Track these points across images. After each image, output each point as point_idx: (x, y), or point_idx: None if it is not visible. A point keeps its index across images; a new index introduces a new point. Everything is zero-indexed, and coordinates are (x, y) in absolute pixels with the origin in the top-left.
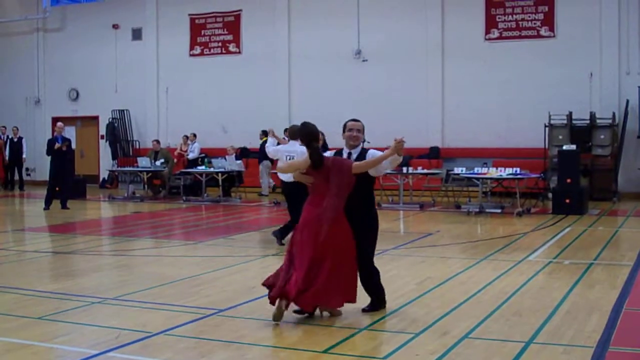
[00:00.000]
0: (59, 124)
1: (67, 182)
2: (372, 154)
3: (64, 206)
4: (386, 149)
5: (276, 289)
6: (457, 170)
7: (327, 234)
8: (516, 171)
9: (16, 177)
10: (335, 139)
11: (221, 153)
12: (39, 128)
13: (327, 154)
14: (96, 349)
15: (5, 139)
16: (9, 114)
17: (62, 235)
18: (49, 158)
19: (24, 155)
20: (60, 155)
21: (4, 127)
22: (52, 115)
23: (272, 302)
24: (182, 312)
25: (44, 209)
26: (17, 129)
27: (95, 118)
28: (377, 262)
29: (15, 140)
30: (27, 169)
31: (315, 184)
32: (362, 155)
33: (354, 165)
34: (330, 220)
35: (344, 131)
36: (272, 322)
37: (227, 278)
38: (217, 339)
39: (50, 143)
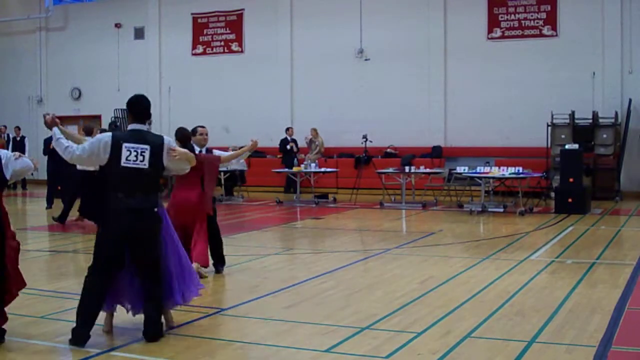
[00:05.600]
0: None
1: (67, 192)
2: (217, 152)
3: (61, 221)
4: (387, 148)
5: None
6: (460, 169)
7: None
8: (519, 170)
9: None
10: (339, 138)
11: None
12: (41, 127)
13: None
14: (98, 348)
15: (6, 138)
16: (11, 113)
17: (64, 234)
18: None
19: (26, 155)
20: (56, 153)
21: (4, 126)
22: (55, 114)
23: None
24: (183, 310)
25: (46, 208)
26: (20, 129)
27: (98, 117)
28: (380, 261)
29: (18, 139)
30: None
31: (188, 174)
32: (210, 152)
33: (222, 157)
34: (211, 199)
35: (194, 134)
36: (274, 320)
37: (229, 277)
38: (219, 337)
39: (47, 142)
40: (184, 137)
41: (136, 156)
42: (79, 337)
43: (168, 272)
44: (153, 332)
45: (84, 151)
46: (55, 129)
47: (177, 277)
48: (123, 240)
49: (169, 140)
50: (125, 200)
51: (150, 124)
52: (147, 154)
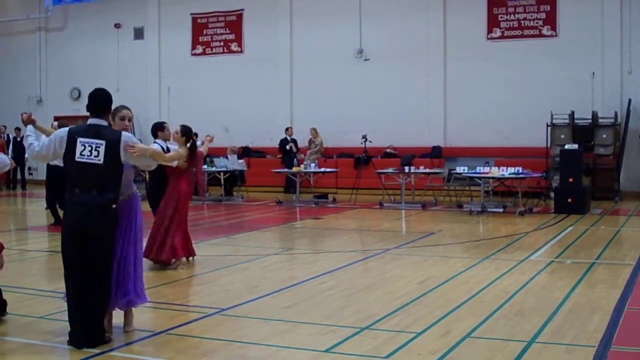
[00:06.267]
0: (54, 123)
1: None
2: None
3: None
4: (387, 148)
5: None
6: (459, 169)
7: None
8: (518, 170)
9: (18, 176)
10: (338, 138)
11: (223, 152)
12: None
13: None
14: (98, 348)
15: (6, 139)
16: (11, 114)
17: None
18: None
19: (26, 155)
20: None
21: (4, 126)
22: (55, 115)
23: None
24: (184, 311)
25: (46, 208)
26: (20, 129)
27: None
28: (379, 261)
29: (18, 139)
30: (29, 169)
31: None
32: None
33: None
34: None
35: (162, 130)
36: (273, 321)
37: (229, 277)
38: (218, 338)
39: None
40: (188, 133)
41: (90, 151)
42: (72, 339)
43: (119, 270)
44: (79, 338)
45: (42, 147)
46: (29, 126)
47: (123, 278)
48: (78, 236)
49: (129, 136)
50: (79, 195)
51: (130, 120)
52: (101, 149)
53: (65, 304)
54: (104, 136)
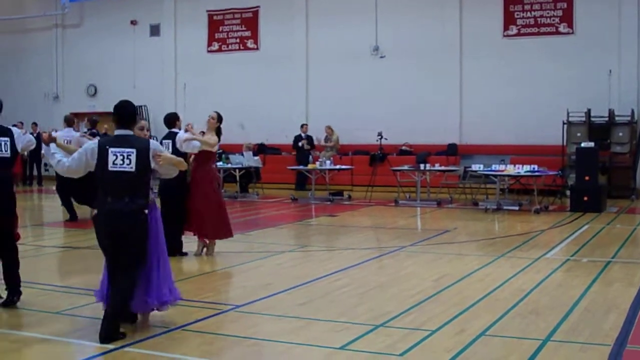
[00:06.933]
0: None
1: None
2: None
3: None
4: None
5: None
6: (475, 167)
7: None
8: (534, 168)
9: (35, 172)
10: (353, 135)
11: (239, 149)
12: (57, 124)
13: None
14: (113, 343)
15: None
16: (28, 110)
17: (79, 230)
18: None
19: (42, 151)
20: None
21: (21, 122)
22: (71, 111)
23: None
24: (199, 307)
25: (62, 204)
26: (36, 125)
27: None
28: (394, 258)
29: (35, 135)
30: (45, 165)
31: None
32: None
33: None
34: None
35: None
36: (288, 317)
37: (244, 274)
38: (233, 334)
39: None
40: (221, 119)
41: (122, 160)
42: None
43: (151, 273)
44: (104, 332)
45: (73, 161)
46: (51, 144)
47: (156, 280)
48: (112, 240)
49: (156, 144)
50: (113, 203)
51: (148, 130)
52: (133, 158)
53: (86, 299)
54: (134, 145)
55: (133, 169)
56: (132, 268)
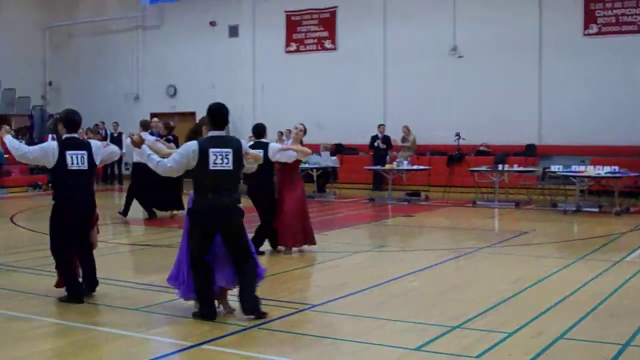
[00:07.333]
0: (154, 119)
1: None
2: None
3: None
4: (480, 146)
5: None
6: (554, 168)
7: None
8: (615, 170)
9: (115, 171)
10: (431, 135)
11: (316, 149)
12: (138, 124)
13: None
14: (190, 340)
15: (104, 134)
16: (109, 110)
17: (158, 228)
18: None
19: (123, 150)
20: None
21: (102, 122)
22: (151, 111)
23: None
24: (275, 306)
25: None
26: (117, 124)
27: (193, 114)
28: (471, 260)
29: (115, 135)
30: (125, 164)
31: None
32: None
33: None
34: None
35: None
36: (363, 317)
37: (319, 273)
38: (309, 333)
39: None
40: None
41: (222, 159)
42: (207, 315)
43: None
44: (250, 306)
45: (175, 162)
46: (143, 146)
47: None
48: (212, 234)
49: (245, 143)
50: (214, 199)
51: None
52: (230, 157)
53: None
54: (230, 145)
55: (231, 167)
56: (247, 251)
